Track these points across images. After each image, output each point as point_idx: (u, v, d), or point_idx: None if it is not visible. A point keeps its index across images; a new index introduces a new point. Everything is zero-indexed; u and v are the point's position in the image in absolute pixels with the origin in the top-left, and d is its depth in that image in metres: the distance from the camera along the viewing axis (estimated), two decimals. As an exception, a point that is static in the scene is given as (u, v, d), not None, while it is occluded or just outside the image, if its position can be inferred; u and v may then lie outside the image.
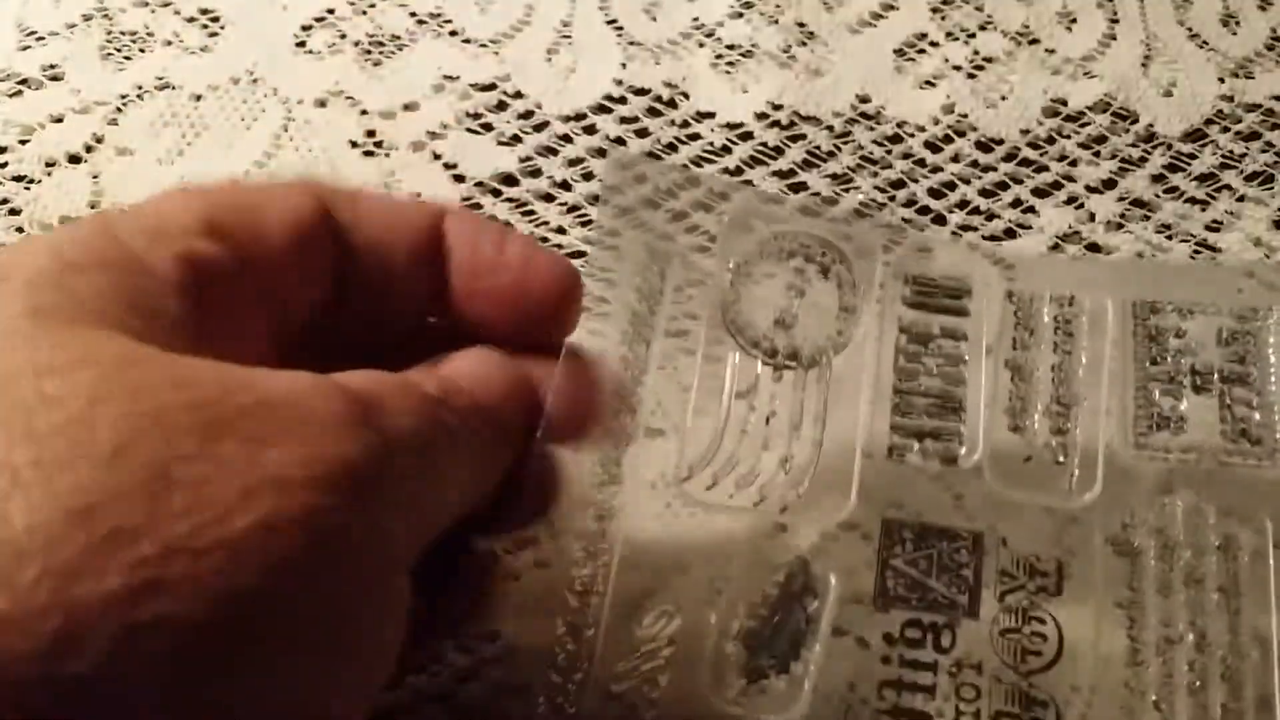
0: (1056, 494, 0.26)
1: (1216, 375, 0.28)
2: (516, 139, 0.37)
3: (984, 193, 0.36)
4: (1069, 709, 0.24)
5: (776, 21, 0.40)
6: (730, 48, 0.39)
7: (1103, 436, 0.27)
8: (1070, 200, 0.36)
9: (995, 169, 0.37)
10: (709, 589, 0.25)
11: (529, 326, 0.23)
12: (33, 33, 0.39)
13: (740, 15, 0.40)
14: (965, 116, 0.38)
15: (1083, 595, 0.25)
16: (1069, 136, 0.37)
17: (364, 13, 0.40)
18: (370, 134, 0.37)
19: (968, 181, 0.36)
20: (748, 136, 0.37)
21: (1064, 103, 0.38)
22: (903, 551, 0.25)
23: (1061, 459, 0.27)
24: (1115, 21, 0.40)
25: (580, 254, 0.33)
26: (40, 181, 0.36)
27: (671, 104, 0.38)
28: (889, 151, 0.37)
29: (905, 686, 0.24)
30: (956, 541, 0.25)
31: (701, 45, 0.39)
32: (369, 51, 0.39)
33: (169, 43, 0.39)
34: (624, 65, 0.39)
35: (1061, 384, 0.28)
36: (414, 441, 0.18)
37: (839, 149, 0.37)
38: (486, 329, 0.23)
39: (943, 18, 0.40)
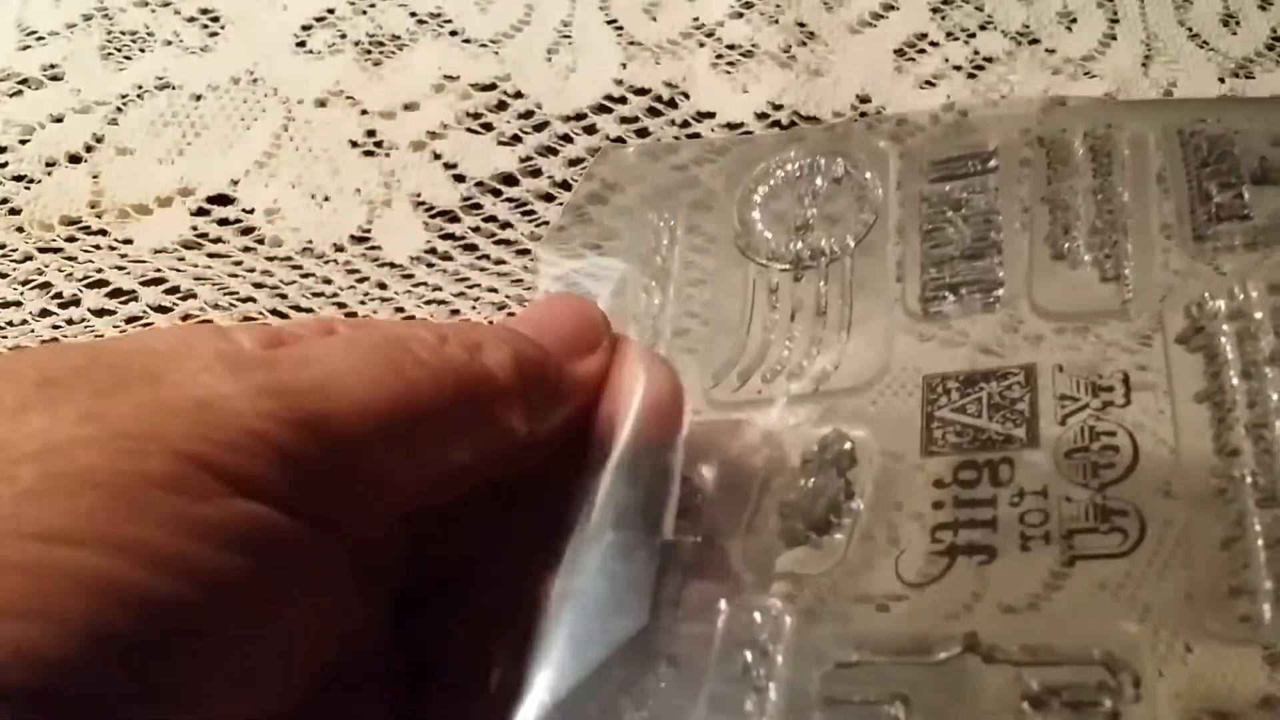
0: (1111, 311, 0.23)
1: None
2: (517, 139, 0.37)
3: (984, 193, 0.36)
4: (1151, 511, 0.22)
5: (777, 21, 0.40)
6: (730, 48, 0.39)
7: (1158, 244, 0.24)
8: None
9: (995, 169, 0.37)
10: (744, 462, 0.23)
11: None
12: (33, 33, 0.39)
13: (740, 15, 0.40)
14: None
15: (1155, 399, 0.22)
16: (1069, 136, 0.37)
17: (364, 13, 0.40)
18: (370, 134, 0.37)
19: (968, 181, 0.36)
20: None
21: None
22: (948, 401, 0.23)
23: (1111, 273, 0.24)
24: (1115, 21, 0.40)
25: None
26: (40, 181, 0.36)
27: (672, 104, 0.38)
28: (889, 151, 0.37)
29: (962, 525, 0.22)
30: (1007, 379, 0.23)
31: (702, 45, 0.39)
32: (369, 51, 0.39)
33: (169, 43, 0.39)
34: (624, 65, 0.39)
35: (1105, 204, 0.25)
36: None
37: (839, 149, 0.37)
38: None
39: (943, 18, 0.40)
